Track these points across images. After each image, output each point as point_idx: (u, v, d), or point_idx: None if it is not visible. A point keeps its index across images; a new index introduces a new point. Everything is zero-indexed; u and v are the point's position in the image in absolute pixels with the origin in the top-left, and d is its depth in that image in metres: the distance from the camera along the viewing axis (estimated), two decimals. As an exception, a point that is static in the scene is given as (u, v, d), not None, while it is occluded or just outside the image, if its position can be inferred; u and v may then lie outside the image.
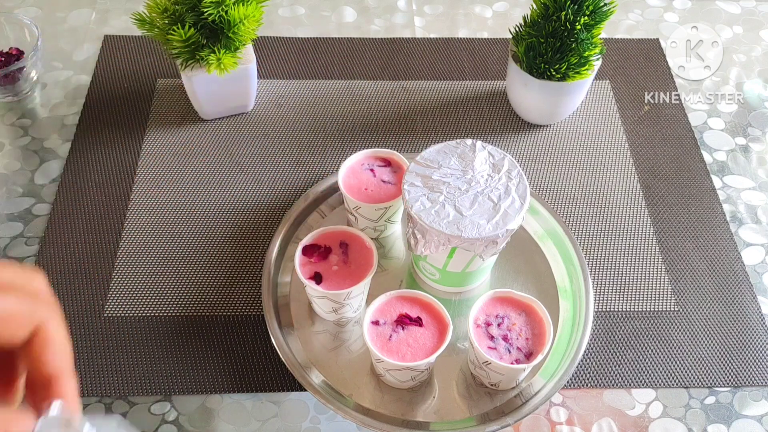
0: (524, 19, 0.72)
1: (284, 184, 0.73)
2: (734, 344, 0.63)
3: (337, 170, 0.65)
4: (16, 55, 0.79)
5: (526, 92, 0.74)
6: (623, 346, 0.62)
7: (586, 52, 0.68)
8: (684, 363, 0.61)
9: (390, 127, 0.78)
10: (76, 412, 0.29)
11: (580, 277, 0.63)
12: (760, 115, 0.82)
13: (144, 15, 0.68)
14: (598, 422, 0.58)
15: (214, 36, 0.68)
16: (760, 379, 0.61)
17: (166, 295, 0.64)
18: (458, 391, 0.59)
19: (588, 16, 0.66)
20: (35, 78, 0.81)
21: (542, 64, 0.69)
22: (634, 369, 0.61)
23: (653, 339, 0.63)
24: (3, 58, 0.78)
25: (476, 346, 0.53)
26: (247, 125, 0.78)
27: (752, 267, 0.68)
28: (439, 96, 0.82)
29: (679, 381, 0.60)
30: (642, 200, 0.73)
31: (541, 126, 0.79)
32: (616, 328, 0.63)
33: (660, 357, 0.62)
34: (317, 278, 0.57)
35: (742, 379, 0.61)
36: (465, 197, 0.55)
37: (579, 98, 0.75)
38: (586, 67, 0.69)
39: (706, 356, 0.62)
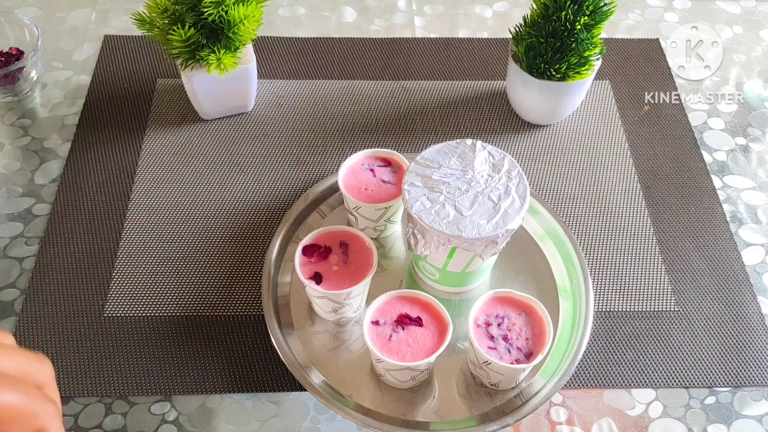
0: (524, 19, 0.72)
1: (284, 184, 0.73)
2: (734, 344, 0.63)
3: (337, 170, 0.65)
4: (16, 55, 0.79)
5: (526, 92, 0.74)
6: (623, 346, 0.62)
7: (586, 52, 0.68)
8: (684, 363, 0.61)
9: (390, 127, 0.78)
10: None
11: (580, 277, 0.63)
12: (760, 115, 0.82)
13: (144, 15, 0.68)
14: (598, 422, 0.58)
15: (214, 36, 0.68)
16: (760, 379, 0.61)
17: (166, 295, 0.64)
18: (458, 391, 0.59)
19: (588, 16, 0.66)
20: (35, 78, 0.81)
21: (542, 64, 0.69)
22: (634, 369, 0.61)
23: (653, 339, 0.63)
24: (3, 58, 0.78)
25: (476, 346, 0.53)
26: (247, 125, 0.78)
27: (752, 267, 0.68)
28: (439, 96, 0.82)
29: (679, 381, 0.60)
30: (642, 200, 0.73)
31: (541, 126, 0.79)
32: (616, 328, 0.63)
33: (660, 357, 0.62)
34: (317, 278, 0.57)
35: (742, 379, 0.61)
36: (465, 197, 0.55)
37: (579, 98, 0.75)
38: (586, 67, 0.69)
39: (706, 356, 0.62)
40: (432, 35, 0.89)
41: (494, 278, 0.66)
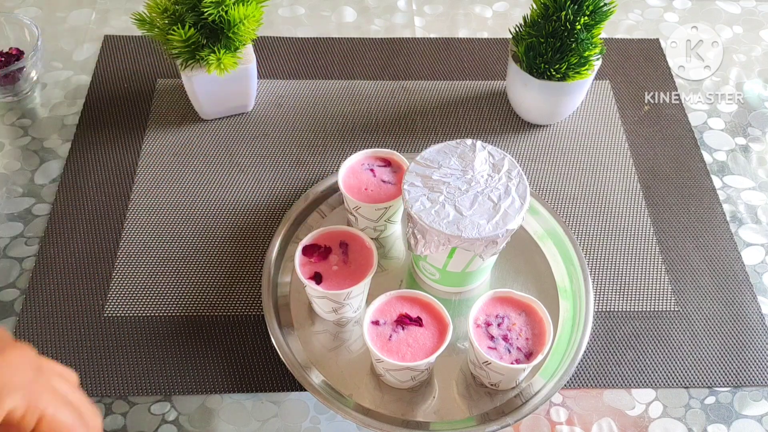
0: (524, 19, 0.72)
1: (284, 184, 0.73)
2: (734, 344, 0.63)
3: (337, 170, 0.65)
4: (16, 55, 0.79)
5: (526, 92, 0.74)
6: (623, 346, 0.62)
7: (586, 52, 0.68)
8: (684, 363, 0.61)
9: (390, 127, 0.78)
10: None
11: (580, 277, 0.63)
12: (760, 115, 0.82)
13: (144, 15, 0.68)
14: (598, 422, 0.58)
15: (214, 36, 0.68)
16: (760, 379, 0.61)
17: (166, 295, 0.64)
18: (458, 391, 0.59)
19: (588, 16, 0.66)
20: (35, 78, 0.81)
21: (542, 64, 0.69)
22: (634, 369, 0.61)
23: (653, 339, 0.63)
24: (3, 58, 0.78)
25: (476, 346, 0.53)
26: (247, 125, 0.78)
27: (752, 267, 0.68)
28: (439, 96, 0.82)
29: (679, 381, 0.60)
30: (642, 200, 0.73)
31: (541, 126, 0.79)
32: (616, 328, 0.63)
33: (660, 357, 0.62)
34: (317, 278, 0.57)
35: (742, 379, 0.61)
36: (465, 197, 0.55)
37: (579, 98, 0.75)
38: (586, 67, 0.69)
39: (706, 356, 0.62)
40: (432, 35, 0.89)
41: (494, 278, 0.66)
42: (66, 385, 0.35)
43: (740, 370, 0.61)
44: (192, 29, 0.66)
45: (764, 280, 0.67)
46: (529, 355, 0.54)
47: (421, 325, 0.55)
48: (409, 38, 0.88)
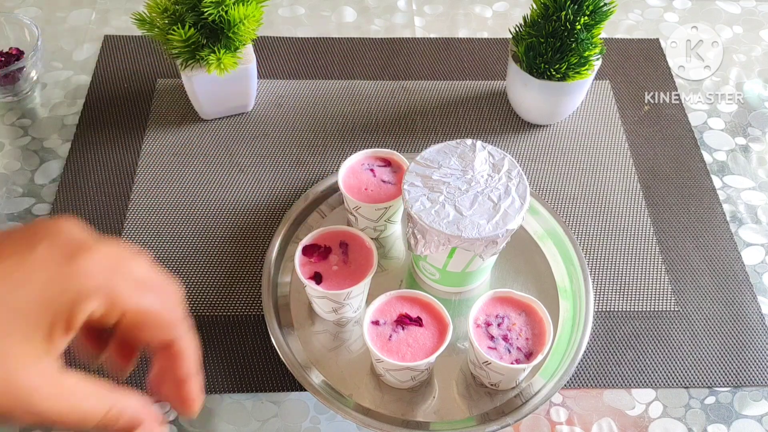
0: (524, 19, 0.72)
1: (284, 184, 0.73)
2: (734, 344, 0.63)
3: (337, 170, 0.65)
4: (16, 55, 0.79)
5: (526, 92, 0.74)
6: (623, 346, 0.62)
7: (586, 52, 0.68)
8: (684, 363, 0.61)
9: (390, 127, 0.78)
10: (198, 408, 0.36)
11: (580, 277, 0.63)
12: (760, 115, 0.82)
13: (144, 15, 0.68)
14: (598, 422, 0.58)
15: (214, 36, 0.68)
16: (760, 379, 0.61)
17: (166, 295, 0.64)
18: (458, 391, 0.59)
19: (588, 16, 0.66)
20: (35, 78, 0.81)
21: (542, 64, 0.69)
22: (634, 369, 0.61)
23: (653, 339, 0.63)
24: (3, 58, 0.78)
25: (476, 346, 0.53)
26: (247, 125, 0.78)
27: (752, 267, 0.68)
28: (439, 96, 0.82)
29: (679, 381, 0.60)
30: (642, 200, 0.73)
31: (541, 126, 0.79)
32: (616, 328, 0.63)
33: (660, 357, 0.62)
34: (317, 278, 0.57)
35: (742, 379, 0.61)
36: (465, 197, 0.55)
37: (579, 98, 0.75)
38: (586, 67, 0.69)
39: (706, 356, 0.62)
40: (432, 35, 0.89)
41: (494, 278, 0.66)
42: (143, 265, 0.34)
43: (740, 370, 0.61)
44: (192, 29, 0.66)
45: (764, 280, 0.67)
46: (529, 355, 0.54)
47: (421, 325, 0.55)
48: (409, 38, 0.88)
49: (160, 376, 0.36)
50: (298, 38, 0.88)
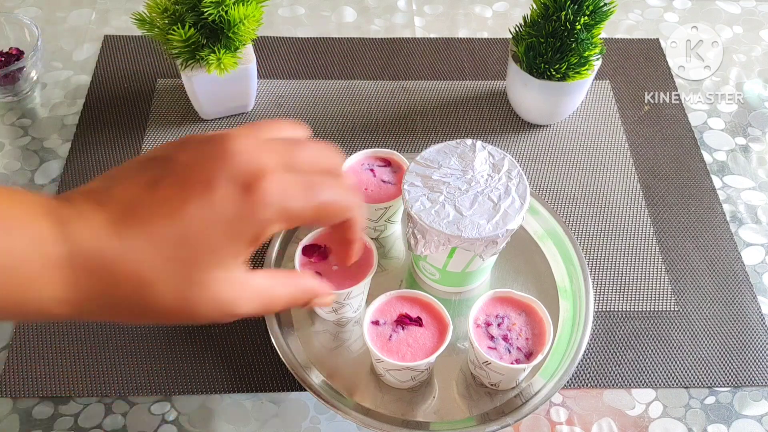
0: (524, 19, 0.72)
1: (284, 184, 0.73)
2: (734, 344, 0.63)
3: (337, 170, 0.65)
4: (16, 55, 0.79)
5: (526, 92, 0.74)
6: (623, 346, 0.62)
7: (586, 52, 0.68)
8: (684, 363, 0.61)
9: (390, 127, 0.78)
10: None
11: (580, 277, 0.63)
12: (760, 115, 0.82)
13: (144, 15, 0.68)
14: (598, 422, 0.58)
15: (214, 36, 0.68)
16: (760, 379, 0.61)
17: (166, 295, 0.64)
18: (458, 391, 0.59)
19: (588, 16, 0.66)
20: (35, 78, 0.81)
21: (542, 64, 0.69)
22: (634, 369, 0.61)
23: (653, 339, 0.63)
24: (3, 58, 0.78)
25: (476, 346, 0.53)
26: (247, 125, 0.78)
27: (752, 267, 0.68)
28: (439, 96, 0.82)
29: (679, 381, 0.60)
30: (642, 200, 0.73)
31: (541, 126, 0.79)
32: (616, 328, 0.63)
33: (660, 357, 0.62)
34: (317, 278, 0.57)
35: (742, 379, 0.61)
36: (465, 197, 0.55)
37: (579, 98, 0.75)
38: (586, 67, 0.69)
39: (706, 356, 0.62)
40: (432, 35, 0.89)
41: (494, 278, 0.66)
42: (308, 160, 0.36)
43: (740, 370, 0.61)
44: (192, 29, 0.66)
45: (764, 280, 0.67)
46: (529, 355, 0.54)
47: (421, 325, 0.55)
48: (409, 38, 0.88)
49: (331, 235, 0.45)
50: (298, 38, 0.88)
